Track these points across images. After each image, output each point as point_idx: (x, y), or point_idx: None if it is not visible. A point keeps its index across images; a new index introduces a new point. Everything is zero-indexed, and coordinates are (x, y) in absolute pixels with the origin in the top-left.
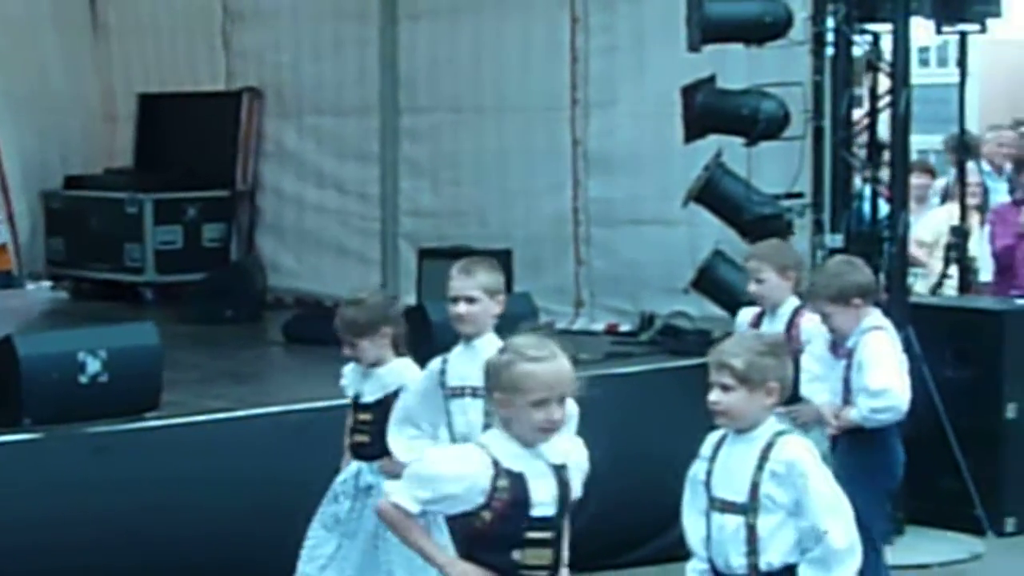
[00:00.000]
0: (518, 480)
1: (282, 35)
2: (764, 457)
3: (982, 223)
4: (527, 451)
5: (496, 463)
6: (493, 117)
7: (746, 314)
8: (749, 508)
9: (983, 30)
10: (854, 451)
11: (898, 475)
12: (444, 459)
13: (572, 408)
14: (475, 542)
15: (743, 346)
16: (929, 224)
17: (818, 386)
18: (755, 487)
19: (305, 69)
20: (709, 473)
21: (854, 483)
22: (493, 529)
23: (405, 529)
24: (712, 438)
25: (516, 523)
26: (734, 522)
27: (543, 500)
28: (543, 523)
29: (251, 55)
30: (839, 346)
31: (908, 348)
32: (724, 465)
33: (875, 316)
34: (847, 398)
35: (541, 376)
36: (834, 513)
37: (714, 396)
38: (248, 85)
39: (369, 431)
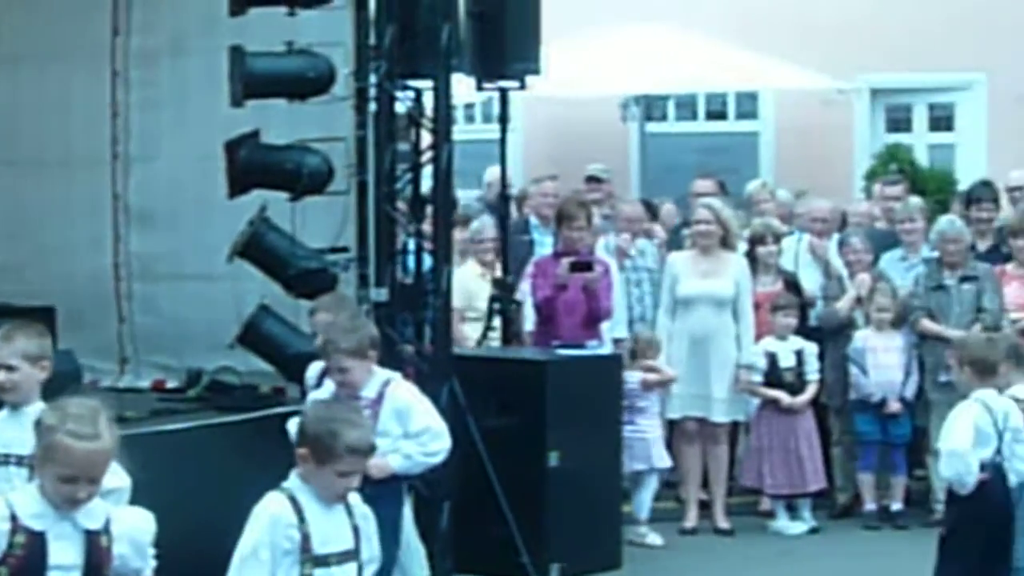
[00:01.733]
0: (37, 539)
1: None
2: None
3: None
4: (55, 512)
5: (15, 517)
6: (31, 171)
7: (314, 368)
8: None
9: (523, 87)
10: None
11: None
12: None
13: (124, 481)
14: None
15: None
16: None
17: None
18: None
19: None
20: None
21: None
22: None
23: None
24: None
25: None
26: None
27: (63, 563)
28: None
29: None
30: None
31: (453, 399)
32: None
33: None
34: None
35: (76, 454)
36: None
37: None
38: None
39: None
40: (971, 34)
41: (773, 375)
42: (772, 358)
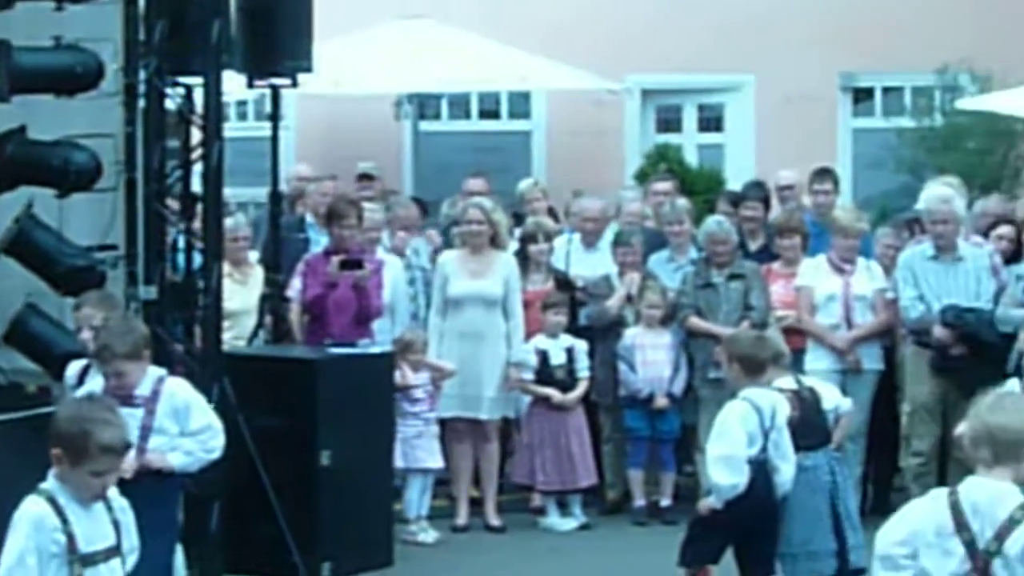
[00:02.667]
0: None
1: None
2: None
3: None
4: None
5: None
6: None
7: (74, 367)
8: None
9: (295, 84)
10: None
11: None
12: None
13: None
14: None
15: None
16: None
17: None
18: None
19: None
20: None
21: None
22: None
23: None
24: None
25: None
26: None
27: None
28: None
29: None
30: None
31: (223, 398)
32: None
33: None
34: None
35: None
36: None
37: None
38: None
39: None
40: (740, 36)
41: (544, 372)
42: (543, 356)
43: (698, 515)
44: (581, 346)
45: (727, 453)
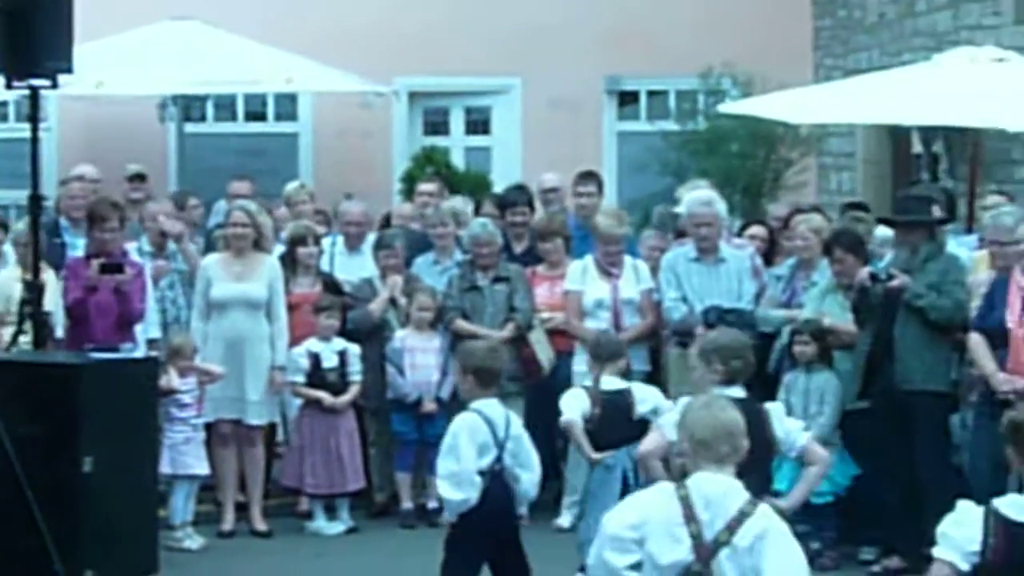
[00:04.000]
0: None
1: None
2: None
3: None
4: None
5: None
6: None
7: None
8: None
9: (55, 85)
10: None
11: None
12: None
13: None
14: None
15: None
16: None
17: None
18: None
19: None
20: None
21: None
22: None
23: None
24: None
25: None
26: None
27: None
28: None
29: None
30: None
31: None
32: None
33: None
34: None
35: None
36: None
37: None
38: None
39: None
40: (507, 40)
41: (316, 376)
42: (315, 359)
43: (448, 535)
44: (354, 350)
45: (454, 469)
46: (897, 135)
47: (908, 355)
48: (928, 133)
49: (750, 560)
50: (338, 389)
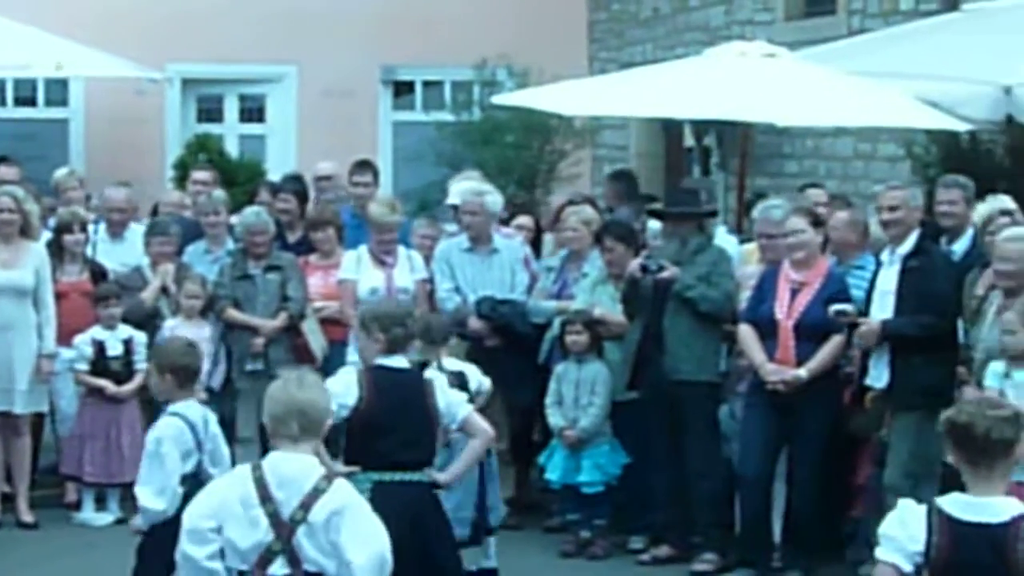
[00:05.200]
0: None
1: None
2: None
3: None
4: None
5: None
6: None
7: None
8: None
9: None
10: None
11: None
12: None
13: None
14: None
15: None
16: None
17: None
18: None
19: None
20: None
21: None
22: None
23: None
24: None
25: None
26: None
27: None
28: None
29: None
30: None
31: None
32: None
33: None
34: None
35: None
36: None
37: None
38: None
39: None
40: (282, 27)
41: (100, 364)
42: (100, 346)
43: (141, 543)
44: (140, 338)
45: (156, 480)
46: (670, 129)
47: (677, 346)
48: (700, 127)
49: (326, 536)
50: (123, 378)
